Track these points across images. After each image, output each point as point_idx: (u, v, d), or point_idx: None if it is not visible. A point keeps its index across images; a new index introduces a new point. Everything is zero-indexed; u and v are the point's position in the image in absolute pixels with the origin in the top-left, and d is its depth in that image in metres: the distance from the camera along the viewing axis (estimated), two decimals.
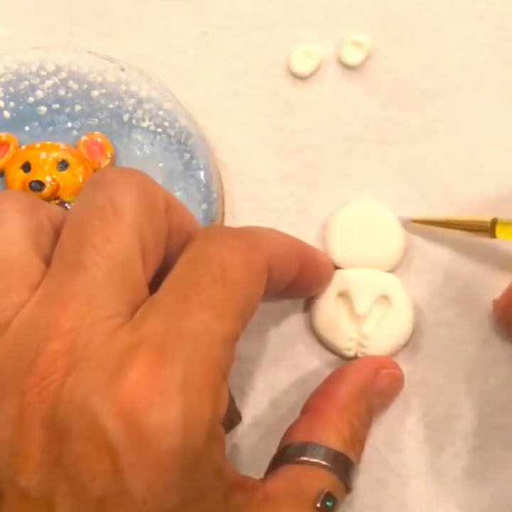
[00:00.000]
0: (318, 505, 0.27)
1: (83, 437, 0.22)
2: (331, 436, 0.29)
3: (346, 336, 0.34)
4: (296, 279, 0.29)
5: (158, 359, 0.22)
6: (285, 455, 0.29)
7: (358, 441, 0.30)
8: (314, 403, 0.31)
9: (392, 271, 0.34)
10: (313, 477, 0.28)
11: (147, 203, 0.25)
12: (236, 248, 0.25)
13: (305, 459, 0.28)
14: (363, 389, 0.31)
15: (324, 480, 0.28)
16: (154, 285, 0.25)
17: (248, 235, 0.26)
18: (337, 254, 0.34)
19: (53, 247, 0.25)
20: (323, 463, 0.28)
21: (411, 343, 0.34)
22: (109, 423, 0.21)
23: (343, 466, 0.29)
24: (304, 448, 0.29)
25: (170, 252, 0.26)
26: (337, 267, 0.34)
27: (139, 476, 0.22)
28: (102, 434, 0.21)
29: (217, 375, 0.23)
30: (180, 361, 0.22)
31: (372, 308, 0.34)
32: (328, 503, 0.27)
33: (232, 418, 0.33)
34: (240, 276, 0.25)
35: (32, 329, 0.23)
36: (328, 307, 0.34)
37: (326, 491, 0.27)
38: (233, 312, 0.24)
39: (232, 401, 0.33)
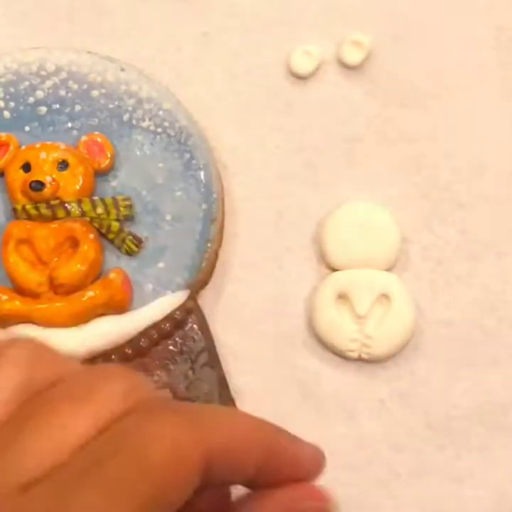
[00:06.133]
0: None
1: None
2: None
3: (348, 337, 0.34)
4: (259, 475, 0.24)
5: None
6: None
7: None
8: None
9: (389, 269, 0.34)
10: None
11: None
12: (172, 428, 0.22)
13: None
14: None
15: None
16: None
17: (193, 416, 0.22)
18: (334, 256, 0.34)
19: None
20: None
21: (411, 343, 0.34)
22: None
23: None
24: None
25: None
26: (335, 269, 0.34)
27: None
28: None
29: None
30: None
31: (372, 307, 0.34)
32: None
33: None
34: (160, 464, 0.21)
35: None
36: (328, 310, 0.34)
37: None
38: (136, 502, 0.21)
39: (232, 401, 0.33)
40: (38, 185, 0.33)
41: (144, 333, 0.33)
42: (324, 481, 0.34)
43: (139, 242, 0.34)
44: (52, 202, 0.33)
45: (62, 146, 0.34)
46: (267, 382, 0.34)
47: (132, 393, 0.23)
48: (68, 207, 0.33)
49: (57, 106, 0.34)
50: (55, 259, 0.33)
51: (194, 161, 0.34)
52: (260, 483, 0.25)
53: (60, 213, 0.33)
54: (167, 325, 0.33)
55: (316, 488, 0.26)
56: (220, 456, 0.22)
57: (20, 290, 0.33)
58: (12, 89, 0.34)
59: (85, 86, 0.34)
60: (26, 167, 0.33)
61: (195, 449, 0.22)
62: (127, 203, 0.34)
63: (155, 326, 0.33)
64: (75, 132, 0.34)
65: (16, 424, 0.22)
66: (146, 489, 0.21)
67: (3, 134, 0.34)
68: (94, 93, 0.34)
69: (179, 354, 0.33)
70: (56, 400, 0.22)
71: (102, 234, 0.33)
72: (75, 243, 0.33)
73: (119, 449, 0.21)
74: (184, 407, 0.23)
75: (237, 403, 0.34)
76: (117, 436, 0.22)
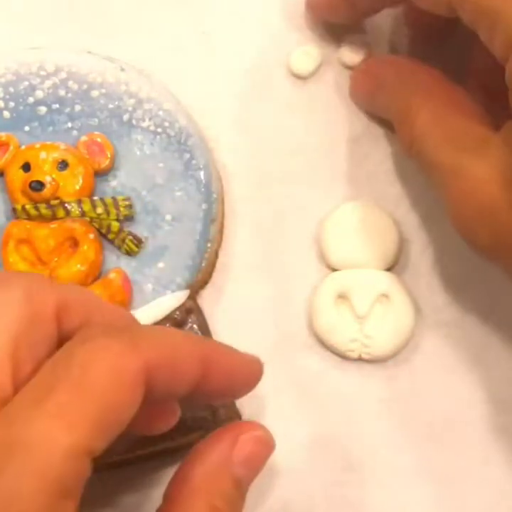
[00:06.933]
0: None
1: None
2: None
3: (348, 337, 0.34)
4: (200, 386, 0.26)
5: None
6: None
7: None
8: (170, 492, 0.27)
9: (389, 269, 0.34)
10: None
11: (28, 310, 0.24)
12: (107, 350, 0.23)
13: None
14: (222, 463, 0.27)
15: None
16: None
17: (127, 335, 0.24)
18: (334, 256, 0.34)
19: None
20: None
21: (411, 343, 0.34)
22: None
23: None
24: None
25: None
26: (335, 269, 0.34)
27: None
28: None
29: (51, 494, 0.21)
30: (7, 476, 0.21)
31: (372, 307, 0.34)
32: None
33: (232, 418, 0.33)
34: (102, 383, 0.23)
35: None
36: (328, 310, 0.34)
37: None
38: (88, 422, 0.22)
39: (232, 401, 0.33)
40: (38, 186, 0.33)
41: None
42: (325, 481, 0.34)
43: (139, 242, 0.34)
44: (52, 202, 0.33)
45: (62, 146, 0.34)
46: (267, 382, 0.34)
47: (34, 297, 0.24)
48: (68, 207, 0.33)
49: (57, 106, 0.34)
50: (55, 259, 0.33)
51: (194, 161, 0.34)
52: (202, 397, 0.27)
53: (60, 213, 0.33)
54: (167, 325, 0.33)
55: (250, 422, 0.29)
56: (159, 371, 0.24)
57: None
58: (12, 89, 0.34)
59: (85, 86, 0.34)
60: (26, 167, 0.33)
61: (133, 367, 0.23)
62: (127, 203, 0.34)
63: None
64: (74, 132, 0.34)
65: None
66: (94, 412, 0.22)
67: (3, 134, 0.34)
68: (94, 93, 0.34)
69: None
70: None
71: (102, 234, 0.33)
72: (74, 243, 0.33)
73: (60, 379, 0.22)
74: (116, 332, 0.24)
75: (237, 403, 0.34)
76: (57, 367, 0.23)
